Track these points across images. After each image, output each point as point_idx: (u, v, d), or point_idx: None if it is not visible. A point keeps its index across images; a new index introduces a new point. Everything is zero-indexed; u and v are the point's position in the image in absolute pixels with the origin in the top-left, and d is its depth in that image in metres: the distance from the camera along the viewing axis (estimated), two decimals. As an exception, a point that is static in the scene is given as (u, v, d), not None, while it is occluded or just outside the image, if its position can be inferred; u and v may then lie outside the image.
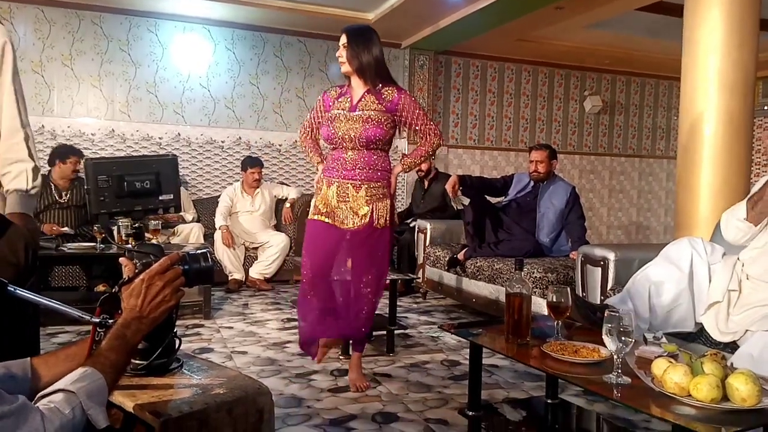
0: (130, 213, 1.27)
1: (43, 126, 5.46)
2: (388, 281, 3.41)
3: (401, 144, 5.99)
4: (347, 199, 2.69)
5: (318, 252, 2.77)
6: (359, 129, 2.65)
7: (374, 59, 2.67)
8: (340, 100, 2.75)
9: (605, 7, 5.26)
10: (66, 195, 4.61)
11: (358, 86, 2.73)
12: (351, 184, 2.69)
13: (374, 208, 2.68)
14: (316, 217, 2.77)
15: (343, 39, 2.68)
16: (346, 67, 2.70)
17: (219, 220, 5.27)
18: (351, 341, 2.94)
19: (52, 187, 4.58)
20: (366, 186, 2.68)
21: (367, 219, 2.68)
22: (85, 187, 1.23)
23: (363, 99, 2.69)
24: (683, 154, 3.42)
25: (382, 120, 2.66)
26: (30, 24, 5.42)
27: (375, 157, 2.70)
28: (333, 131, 2.70)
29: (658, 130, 8.22)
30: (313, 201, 2.85)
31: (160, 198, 1.30)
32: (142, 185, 1.27)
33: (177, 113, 5.93)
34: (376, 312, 3.78)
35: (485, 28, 5.78)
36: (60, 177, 4.60)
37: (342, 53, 2.69)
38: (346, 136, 2.67)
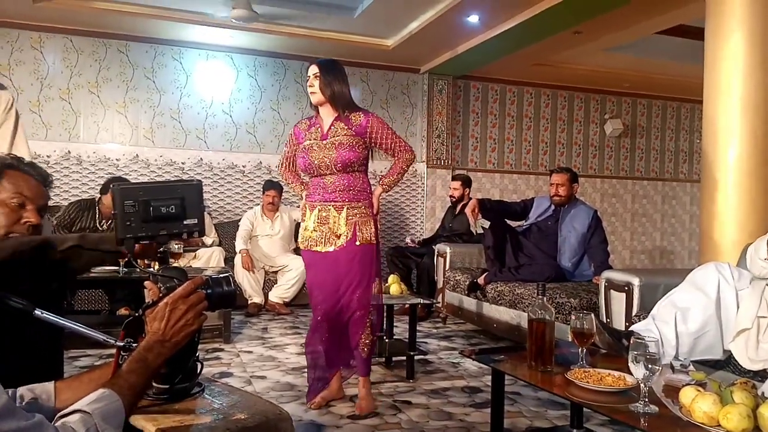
0: (156, 237, 1.28)
1: (69, 152, 5.59)
2: (409, 304, 3.38)
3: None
4: (328, 221, 2.72)
5: (322, 282, 2.78)
6: (333, 155, 2.69)
7: (344, 88, 2.73)
8: (311, 131, 2.80)
9: (624, 32, 5.26)
10: (105, 225, 4.70)
11: (327, 115, 2.78)
12: (332, 206, 2.73)
13: (356, 229, 2.70)
14: (303, 246, 2.82)
15: (315, 69, 2.73)
16: (317, 97, 2.74)
17: (239, 244, 5.32)
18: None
19: (97, 212, 4.70)
20: (347, 207, 2.72)
21: (348, 237, 2.70)
22: (112, 212, 1.25)
23: (333, 126, 2.74)
24: (707, 178, 3.37)
25: (354, 143, 2.70)
26: (59, 53, 5.59)
27: (354, 179, 2.74)
28: (309, 161, 2.74)
29: (681, 153, 8.13)
30: (300, 230, 2.88)
31: (185, 222, 1.31)
32: (168, 210, 1.28)
33: (200, 139, 6.04)
34: (396, 338, 3.77)
35: (503, 53, 5.82)
36: (106, 206, 4.69)
37: (314, 83, 2.73)
38: (322, 164, 2.71)
